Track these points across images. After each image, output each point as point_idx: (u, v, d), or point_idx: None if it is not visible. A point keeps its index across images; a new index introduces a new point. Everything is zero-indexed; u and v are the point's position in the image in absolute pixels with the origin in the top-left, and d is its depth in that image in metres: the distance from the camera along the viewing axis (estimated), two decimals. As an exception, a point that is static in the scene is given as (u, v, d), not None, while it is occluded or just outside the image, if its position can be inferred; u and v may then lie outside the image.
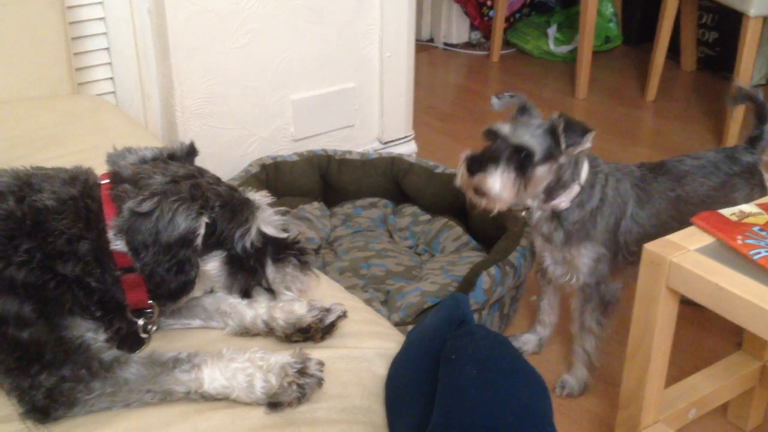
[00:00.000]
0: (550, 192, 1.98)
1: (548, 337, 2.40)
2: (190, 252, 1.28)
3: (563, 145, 1.88)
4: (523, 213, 2.13)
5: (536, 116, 1.97)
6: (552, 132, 1.90)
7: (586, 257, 2.05)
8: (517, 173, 1.90)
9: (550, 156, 1.91)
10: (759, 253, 1.58)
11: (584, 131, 1.89)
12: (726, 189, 2.11)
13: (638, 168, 2.11)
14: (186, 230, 1.27)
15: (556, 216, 2.02)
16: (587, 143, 1.90)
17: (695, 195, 2.09)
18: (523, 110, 1.98)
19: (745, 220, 1.70)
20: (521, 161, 1.90)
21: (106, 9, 2.54)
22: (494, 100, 2.04)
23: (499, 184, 1.89)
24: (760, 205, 1.76)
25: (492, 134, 1.94)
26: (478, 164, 1.91)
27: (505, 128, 1.92)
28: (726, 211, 1.74)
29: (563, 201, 1.99)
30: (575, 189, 1.98)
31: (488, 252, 2.47)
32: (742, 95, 2.21)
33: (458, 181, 1.98)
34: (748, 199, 2.06)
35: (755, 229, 1.66)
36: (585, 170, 1.99)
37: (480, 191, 1.92)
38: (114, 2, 2.54)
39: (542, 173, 1.93)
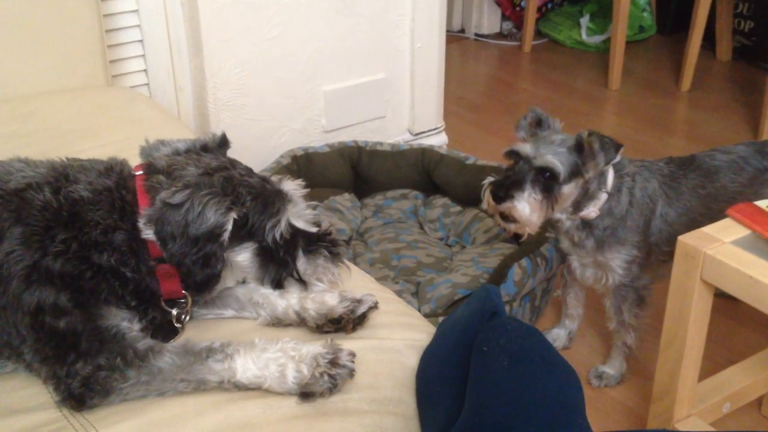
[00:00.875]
0: (578, 204, 1.94)
1: (577, 331, 2.38)
2: (216, 246, 1.29)
3: (601, 163, 1.84)
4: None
5: (556, 129, 1.92)
6: (578, 149, 1.85)
7: (619, 260, 2.02)
8: (544, 195, 1.86)
9: (575, 173, 1.87)
10: (796, 245, 1.56)
11: (617, 147, 1.85)
12: (756, 185, 2.07)
13: (667, 164, 2.07)
14: (214, 225, 1.28)
15: (587, 224, 1.99)
16: (618, 158, 1.87)
17: (725, 191, 2.05)
18: (540, 123, 1.94)
19: (782, 213, 1.68)
20: (546, 182, 1.86)
21: (139, 1, 2.56)
22: (517, 131, 1.97)
23: (527, 209, 1.85)
24: (797, 197, 1.74)
25: (514, 155, 1.90)
26: (503, 190, 1.86)
27: (526, 148, 1.87)
28: (762, 203, 1.72)
29: (592, 211, 1.95)
30: (603, 197, 1.94)
31: (519, 244, 2.46)
32: None
33: (484, 206, 1.94)
34: None
35: (792, 221, 1.64)
36: (611, 177, 1.95)
37: (508, 218, 1.89)
38: (147, -6, 2.56)
39: (569, 191, 1.89)
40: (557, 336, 2.37)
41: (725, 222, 1.68)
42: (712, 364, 2.15)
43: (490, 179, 1.91)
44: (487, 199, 1.91)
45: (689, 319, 1.66)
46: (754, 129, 3.62)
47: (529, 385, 1.11)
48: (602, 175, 1.93)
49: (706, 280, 1.62)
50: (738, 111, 3.86)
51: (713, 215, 1.94)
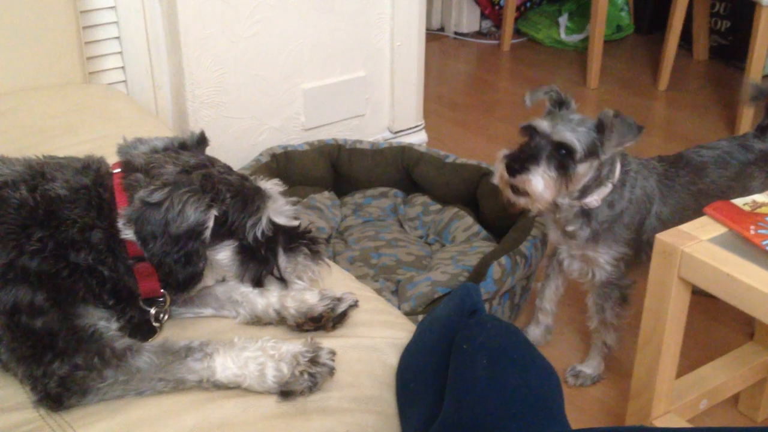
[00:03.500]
0: (585, 190, 1.94)
1: (554, 326, 2.38)
2: (198, 244, 1.29)
3: (624, 142, 1.84)
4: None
5: (573, 109, 1.92)
6: (599, 128, 1.85)
7: (608, 256, 2.03)
8: (559, 172, 1.86)
9: (592, 153, 1.86)
10: (772, 243, 1.57)
11: (640, 128, 1.86)
12: (743, 178, 2.10)
13: (659, 162, 2.08)
14: (195, 222, 1.27)
15: (585, 214, 1.98)
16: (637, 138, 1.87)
17: (715, 187, 2.07)
18: (559, 103, 1.94)
19: (758, 210, 1.69)
20: (562, 160, 1.85)
21: (117, -3, 2.55)
22: (527, 97, 1.99)
23: (542, 184, 1.85)
24: (773, 196, 1.75)
25: (530, 130, 1.89)
26: (519, 163, 1.86)
27: (543, 124, 1.87)
28: (739, 201, 1.73)
29: (595, 199, 1.95)
30: (608, 188, 1.95)
31: (499, 242, 2.47)
32: (759, 93, 2.18)
33: (496, 180, 1.93)
34: (764, 187, 2.05)
35: (768, 219, 1.65)
36: (618, 168, 1.95)
37: (520, 191, 1.89)
38: (125, -10, 2.54)
39: (583, 171, 1.89)
40: (532, 334, 2.38)
41: (702, 220, 1.70)
42: (689, 362, 2.16)
43: (505, 152, 1.91)
44: (500, 172, 1.90)
45: (667, 317, 1.67)
46: (730, 127, 3.66)
47: (509, 382, 1.11)
48: (612, 164, 1.94)
49: (683, 278, 1.63)
50: (714, 110, 3.90)
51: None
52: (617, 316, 2.13)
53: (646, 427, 1.72)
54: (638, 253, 2.05)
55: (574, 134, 1.85)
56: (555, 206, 2.00)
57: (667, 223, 2.02)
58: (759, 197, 1.75)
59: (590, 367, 2.24)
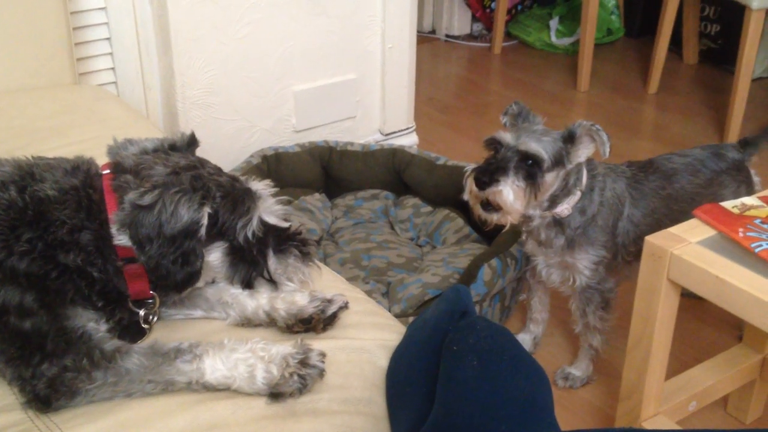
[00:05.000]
0: (554, 200, 1.95)
1: (542, 335, 2.39)
2: (194, 243, 1.28)
3: (589, 151, 1.87)
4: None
5: (538, 122, 1.93)
6: (565, 138, 1.87)
7: (587, 260, 2.03)
8: (527, 182, 1.85)
9: (558, 162, 1.87)
10: (761, 245, 1.58)
11: (607, 137, 1.87)
12: (713, 186, 2.12)
13: (628, 167, 2.09)
14: (189, 221, 1.27)
15: (558, 223, 1.99)
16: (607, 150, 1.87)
17: (684, 193, 2.09)
18: (520, 116, 1.94)
19: (747, 213, 1.70)
20: (530, 169, 1.85)
21: (107, -1, 2.54)
22: (502, 118, 1.99)
23: (512, 194, 1.84)
24: (762, 198, 1.76)
25: (494, 143, 1.89)
26: (487, 176, 1.84)
27: (507, 136, 1.87)
28: (728, 204, 1.74)
29: (565, 208, 1.96)
30: (577, 195, 1.95)
31: (489, 244, 2.47)
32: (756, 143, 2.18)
33: (466, 196, 1.92)
34: (735, 195, 2.06)
35: (757, 221, 1.66)
36: (585, 176, 1.96)
37: (491, 205, 1.88)
38: (115, -8, 2.53)
39: (551, 180, 1.89)
40: (522, 340, 2.37)
41: (691, 222, 1.71)
42: (679, 363, 2.17)
43: (471, 166, 1.90)
44: (469, 186, 1.89)
45: (656, 319, 1.68)
46: (719, 131, 3.67)
47: (499, 384, 1.12)
48: (578, 172, 1.94)
49: (672, 280, 1.63)
50: (704, 113, 3.91)
51: (675, 216, 1.98)
52: (601, 320, 2.13)
53: (635, 428, 1.72)
54: (614, 257, 2.06)
55: (539, 144, 1.85)
56: (527, 219, 2.01)
57: (639, 226, 2.04)
58: (748, 200, 1.76)
59: (579, 369, 2.25)
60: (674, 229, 1.68)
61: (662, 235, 1.67)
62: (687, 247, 1.62)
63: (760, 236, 1.61)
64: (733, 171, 2.14)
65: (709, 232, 1.66)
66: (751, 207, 1.73)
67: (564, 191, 1.94)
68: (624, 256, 2.08)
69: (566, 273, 2.08)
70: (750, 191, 2.12)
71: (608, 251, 2.04)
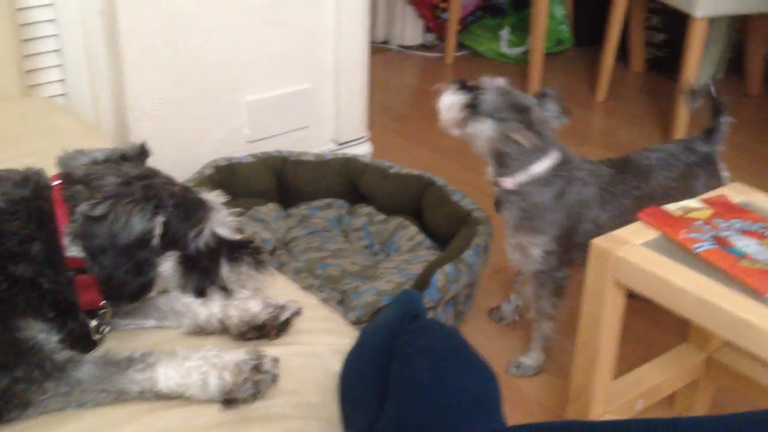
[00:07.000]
0: (500, 167, 2.06)
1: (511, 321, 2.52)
2: (147, 253, 1.29)
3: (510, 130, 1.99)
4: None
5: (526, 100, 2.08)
6: (517, 108, 2.00)
7: (536, 246, 2.11)
8: (463, 107, 2.05)
9: (494, 117, 2.01)
10: (701, 246, 1.63)
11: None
12: (687, 178, 2.19)
13: (608, 167, 2.15)
14: (142, 231, 1.28)
15: (511, 202, 2.09)
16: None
17: (660, 188, 2.15)
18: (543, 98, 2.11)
19: (689, 215, 1.76)
20: (471, 101, 2.04)
21: (57, 10, 2.52)
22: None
23: (447, 102, 2.07)
24: (703, 200, 1.82)
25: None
26: (459, 84, 2.09)
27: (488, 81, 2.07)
28: (671, 207, 1.79)
29: (509, 181, 2.06)
30: (524, 176, 2.05)
31: (443, 251, 2.50)
32: (698, 93, 2.25)
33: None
34: (706, 187, 2.12)
35: (698, 223, 1.72)
36: (544, 164, 2.04)
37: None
38: (65, 3, 2.51)
39: (477, 129, 2.04)
40: (505, 311, 2.52)
41: (636, 225, 1.75)
42: (627, 363, 2.21)
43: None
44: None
45: (603, 320, 1.72)
46: (665, 136, 3.76)
47: (449, 383, 1.14)
48: (529, 155, 2.03)
49: (618, 281, 1.68)
50: (650, 120, 4.01)
51: None
52: (552, 306, 2.21)
53: (576, 420, 1.76)
54: (567, 250, 2.13)
55: (486, 91, 2.02)
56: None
57: (604, 228, 2.06)
58: (690, 203, 1.82)
59: (531, 359, 2.32)
60: (619, 232, 1.73)
61: (607, 237, 1.72)
62: (631, 249, 1.67)
63: (701, 237, 1.66)
64: (704, 163, 2.21)
65: (652, 234, 1.71)
66: (693, 209, 1.79)
67: (505, 161, 2.05)
68: (581, 253, 2.13)
69: (522, 256, 2.16)
70: (719, 183, 2.20)
71: (559, 246, 2.10)
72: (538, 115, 2.03)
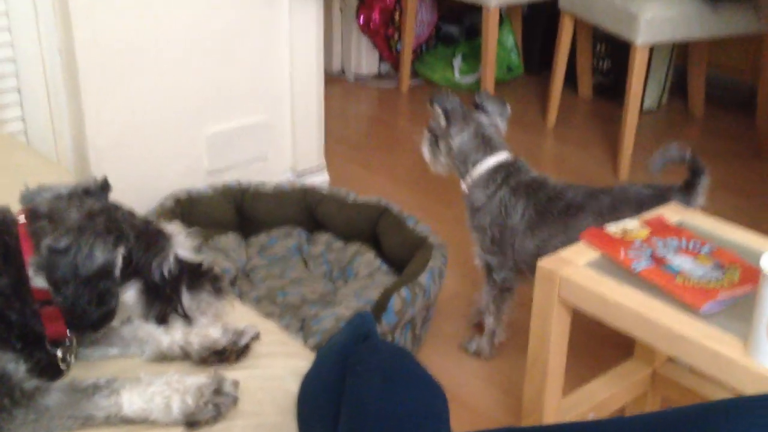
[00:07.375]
0: (463, 162, 2.32)
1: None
2: (109, 283, 1.34)
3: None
4: None
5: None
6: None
7: (477, 245, 2.35)
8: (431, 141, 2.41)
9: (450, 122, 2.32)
10: (640, 265, 1.73)
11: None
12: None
13: (566, 191, 2.26)
14: (104, 262, 1.33)
15: (466, 201, 2.35)
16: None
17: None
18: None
19: (628, 236, 1.85)
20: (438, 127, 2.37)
21: (16, 49, 2.57)
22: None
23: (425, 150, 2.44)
24: (642, 222, 1.92)
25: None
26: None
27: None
28: (611, 228, 1.89)
29: (463, 183, 2.32)
30: (467, 181, 2.30)
31: (400, 275, 2.57)
32: (668, 157, 2.06)
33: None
34: None
35: (637, 243, 1.81)
36: (479, 170, 2.26)
37: None
38: (24, 42, 2.56)
39: (459, 136, 2.30)
40: (472, 312, 2.66)
41: (579, 246, 1.84)
42: (578, 379, 2.29)
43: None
44: None
45: (551, 338, 1.80)
46: (613, 161, 3.88)
47: (401, 400, 1.20)
48: (465, 159, 2.30)
49: (563, 300, 1.76)
50: (599, 145, 4.14)
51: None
52: (494, 304, 2.38)
53: (514, 427, 1.83)
54: (506, 257, 2.31)
55: (447, 97, 2.30)
56: None
57: (535, 256, 2.00)
58: (629, 223, 1.91)
59: (476, 343, 2.51)
60: (563, 253, 1.82)
61: (553, 258, 1.80)
62: (575, 269, 1.75)
63: (639, 256, 1.76)
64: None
65: (594, 255, 1.80)
66: (632, 230, 1.89)
67: (456, 163, 2.32)
68: (526, 268, 2.25)
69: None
70: None
71: (495, 253, 2.30)
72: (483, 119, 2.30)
